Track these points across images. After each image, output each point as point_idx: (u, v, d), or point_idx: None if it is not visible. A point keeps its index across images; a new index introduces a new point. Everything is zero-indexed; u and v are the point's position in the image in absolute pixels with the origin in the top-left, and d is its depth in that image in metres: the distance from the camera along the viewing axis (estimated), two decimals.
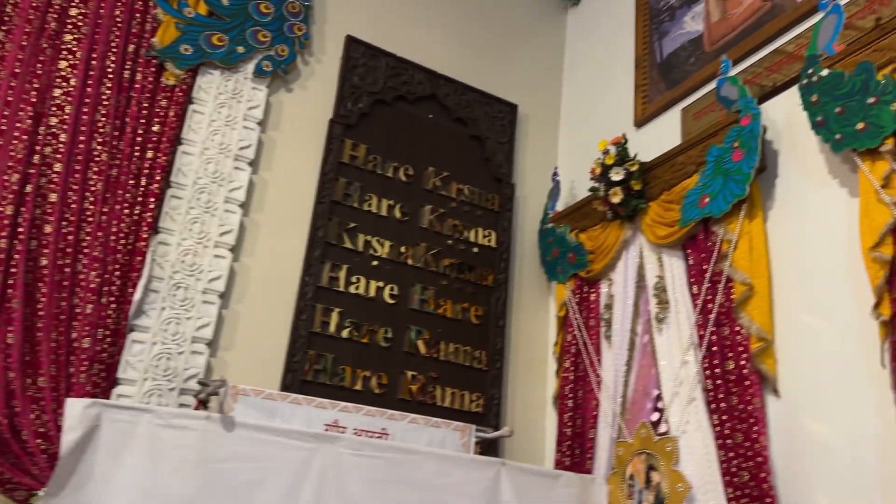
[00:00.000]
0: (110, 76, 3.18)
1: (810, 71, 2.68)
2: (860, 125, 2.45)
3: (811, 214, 2.76)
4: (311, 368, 3.32)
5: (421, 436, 3.09)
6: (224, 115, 3.50)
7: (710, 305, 2.93)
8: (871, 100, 2.43)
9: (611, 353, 3.44)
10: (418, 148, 4.00)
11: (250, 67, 3.64)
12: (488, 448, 3.52)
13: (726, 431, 2.70)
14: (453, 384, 3.68)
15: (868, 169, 2.43)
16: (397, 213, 3.81)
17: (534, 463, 3.63)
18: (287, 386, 3.22)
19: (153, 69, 3.33)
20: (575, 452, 3.43)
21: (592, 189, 3.64)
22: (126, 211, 3.05)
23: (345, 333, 3.46)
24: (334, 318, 3.46)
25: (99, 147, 3.07)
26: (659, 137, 3.62)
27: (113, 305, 2.92)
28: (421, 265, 3.79)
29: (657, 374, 3.16)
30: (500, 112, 4.33)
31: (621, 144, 3.53)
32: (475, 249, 3.98)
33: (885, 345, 2.29)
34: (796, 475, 2.53)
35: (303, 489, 2.54)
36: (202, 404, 2.81)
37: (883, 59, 2.44)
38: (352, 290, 3.55)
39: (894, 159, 2.36)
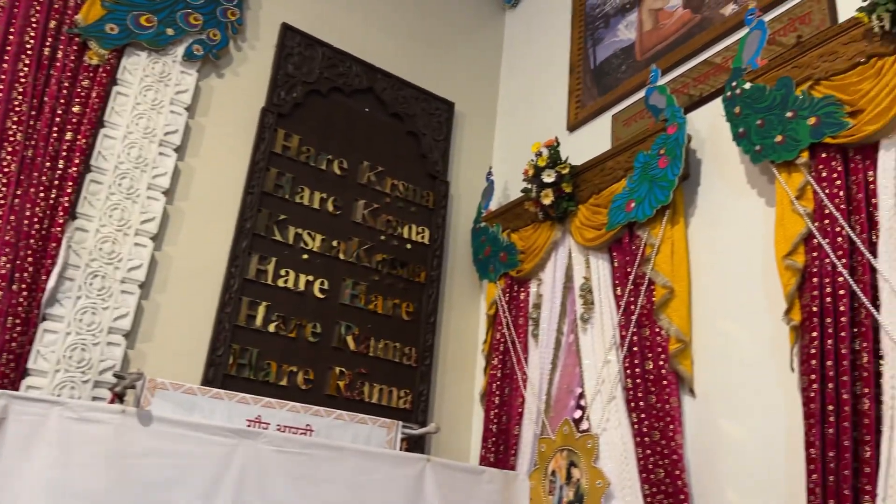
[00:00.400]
0: (29, 52, 3.02)
1: (734, 83, 2.78)
2: (778, 138, 2.57)
3: (730, 222, 2.87)
4: (234, 363, 3.25)
5: (346, 432, 3.06)
6: (150, 99, 3.37)
7: (632, 307, 3.01)
8: (789, 114, 2.54)
9: (537, 351, 3.49)
10: (353, 141, 3.95)
11: (180, 51, 3.52)
12: (415, 445, 3.52)
13: (644, 429, 2.79)
14: (382, 380, 3.66)
15: (784, 180, 2.55)
16: (330, 207, 3.76)
17: (459, 459, 3.66)
18: (209, 380, 3.14)
19: (76, 48, 3.18)
20: (499, 449, 3.48)
21: (525, 190, 3.69)
22: (41, 195, 2.90)
23: (271, 328, 3.39)
24: (261, 311, 3.39)
25: (14, 126, 2.90)
26: (590, 142, 3.70)
27: (24, 293, 2.77)
28: (353, 260, 3.75)
29: (581, 372, 3.22)
30: (437, 109, 4.33)
31: (554, 147, 3.58)
32: (408, 246, 3.97)
33: (795, 349, 2.41)
34: (709, 472, 2.63)
35: (221, 486, 2.47)
36: (118, 398, 2.70)
37: (802, 76, 2.55)
38: (280, 283, 3.48)
39: (809, 172, 2.48)
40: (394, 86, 4.19)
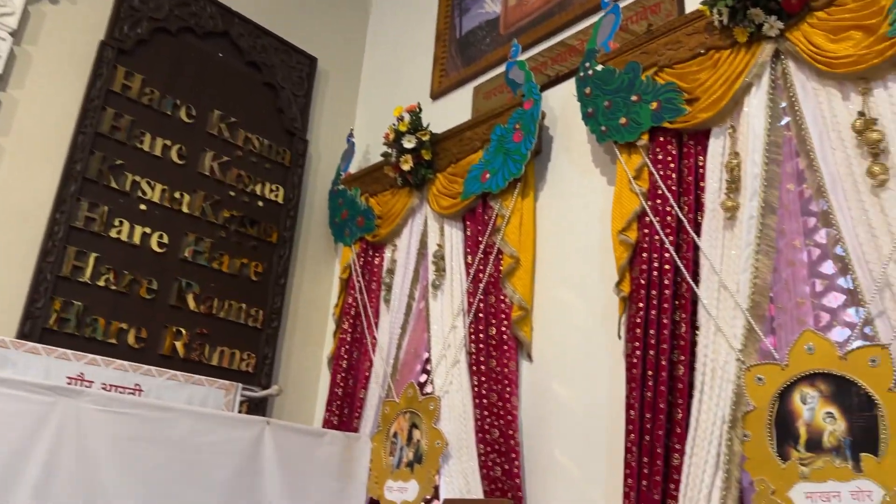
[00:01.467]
0: None
1: (587, 65, 2.88)
2: (623, 120, 2.70)
3: (575, 197, 2.99)
4: (56, 317, 2.97)
5: (180, 394, 2.90)
6: None
7: (481, 275, 3.08)
8: (634, 97, 2.67)
9: (388, 316, 3.49)
10: (205, 87, 3.71)
11: None
12: (256, 408, 3.43)
13: (483, 392, 2.87)
14: (224, 342, 3.51)
15: (625, 160, 2.68)
16: (174, 156, 3.51)
17: (304, 423, 3.61)
18: (25, 334, 2.85)
19: None
20: (344, 412, 3.46)
21: (385, 154, 3.64)
22: None
23: (101, 281, 3.13)
24: (90, 263, 3.11)
25: None
26: (452, 111, 3.71)
27: None
28: (197, 214, 3.54)
29: (429, 337, 3.26)
30: (298, 63, 4.16)
31: (415, 113, 3.56)
32: (260, 203, 3.81)
33: (623, 318, 2.57)
34: (540, 432, 2.76)
35: (36, 447, 2.26)
36: None
37: (649, 62, 2.69)
38: (112, 234, 3.22)
39: (647, 154, 2.63)
40: (252, 33, 3.96)
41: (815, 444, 1.93)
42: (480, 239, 3.14)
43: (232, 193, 3.71)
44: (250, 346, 3.59)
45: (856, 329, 1.98)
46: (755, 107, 2.33)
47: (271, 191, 3.87)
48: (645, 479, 2.23)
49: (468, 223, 3.26)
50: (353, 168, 4.07)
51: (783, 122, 2.35)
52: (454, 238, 3.31)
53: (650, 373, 2.35)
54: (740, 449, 2.06)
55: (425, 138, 3.48)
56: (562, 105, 3.18)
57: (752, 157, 2.29)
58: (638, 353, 2.40)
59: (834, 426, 1.91)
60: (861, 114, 2.08)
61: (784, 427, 1.99)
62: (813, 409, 1.95)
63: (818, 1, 2.23)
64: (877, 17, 2.06)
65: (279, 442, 2.82)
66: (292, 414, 3.67)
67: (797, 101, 2.25)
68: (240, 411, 3.15)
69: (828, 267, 2.24)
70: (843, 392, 1.91)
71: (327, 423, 3.46)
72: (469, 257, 3.19)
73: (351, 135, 4.17)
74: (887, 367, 1.85)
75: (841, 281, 2.18)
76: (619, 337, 2.57)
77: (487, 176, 3.15)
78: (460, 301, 3.14)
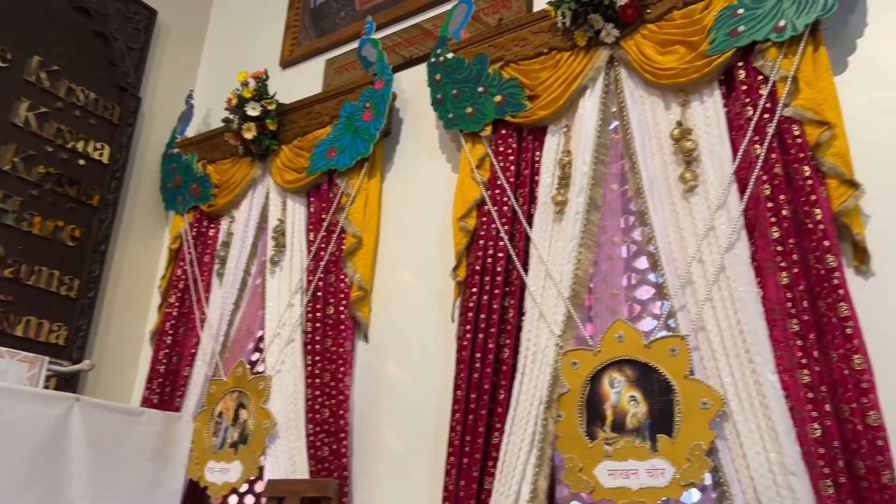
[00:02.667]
0: None
1: (438, 51, 2.92)
2: (469, 109, 2.76)
3: (421, 181, 3.03)
4: None
5: None
6: None
7: (322, 253, 3.04)
8: (480, 89, 2.74)
9: (220, 291, 3.35)
10: (22, 29, 3.32)
11: None
12: (66, 384, 3.16)
13: (316, 371, 2.85)
14: (32, 311, 3.20)
15: (469, 149, 2.76)
16: None
17: (121, 401, 3.38)
18: None
19: None
20: (165, 390, 3.28)
21: (226, 120, 3.47)
22: None
23: None
24: None
25: None
26: (301, 83, 3.61)
27: None
28: (7, 169, 3.19)
29: (263, 315, 3.17)
30: (135, 13, 3.84)
31: (262, 80, 3.42)
32: (82, 162, 3.49)
33: (457, 302, 2.64)
34: (371, 412, 2.78)
35: None
36: None
37: (496, 55, 2.77)
38: None
39: (489, 145, 2.71)
40: None
41: (619, 426, 2.10)
42: (324, 216, 3.09)
43: (49, 149, 3.37)
44: (62, 316, 3.30)
45: (660, 320, 2.19)
46: (588, 109, 2.48)
47: (95, 149, 3.56)
48: (466, 457, 2.33)
49: (312, 199, 3.20)
50: (191, 132, 3.85)
51: (612, 126, 2.52)
52: (297, 214, 3.23)
53: (478, 355, 2.44)
54: (554, 428, 2.21)
55: (271, 107, 3.36)
56: (414, 88, 3.20)
57: (583, 156, 2.44)
58: (468, 335, 2.48)
59: (636, 409, 2.09)
60: (679, 123, 2.28)
61: (593, 409, 2.15)
62: (619, 392, 2.13)
63: (651, 14, 2.41)
64: (699, 34, 2.27)
65: (90, 420, 2.61)
66: (108, 391, 3.42)
67: (625, 107, 2.43)
68: (46, 387, 2.88)
69: (641, 262, 2.44)
70: (646, 377, 2.10)
71: (146, 402, 3.26)
72: (311, 234, 3.13)
73: (190, 96, 3.93)
74: (685, 356, 2.05)
75: (651, 276, 2.39)
76: (453, 320, 2.64)
77: (335, 153, 3.10)
78: (299, 279, 3.08)
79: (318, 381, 2.83)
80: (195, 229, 3.57)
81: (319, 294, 2.98)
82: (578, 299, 2.35)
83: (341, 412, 2.73)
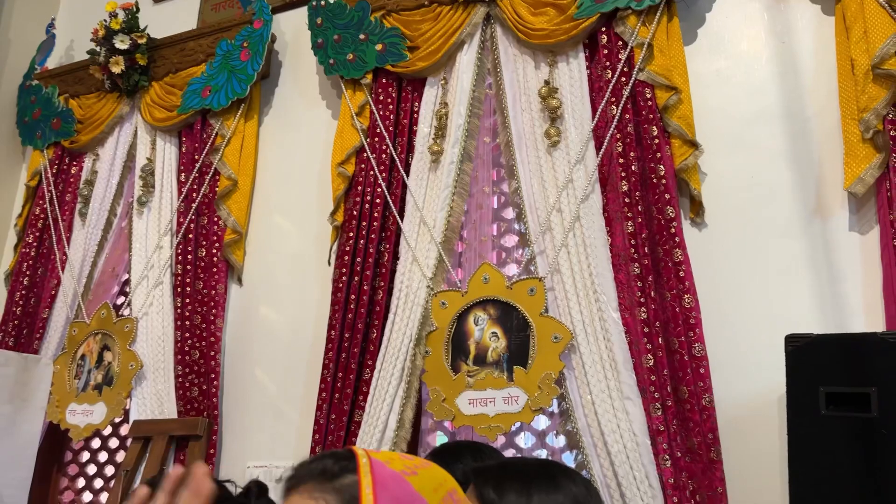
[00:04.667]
0: None
1: None
2: (350, 56, 2.80)
3: (300, 126, 3.04)
4: None
5: None
6: None
7: (194, 195, 3.00)
8: (362, 36, 2.78)
9: (84, 231, 3.22)
10: None
11: None
12: None
13: (187, 314, 2.84)
14: None
15: (349, 96, 2.80)
16: None
17: None
18: None
19: None
20: (22, 333, 3.13)
21: (92, 52, 3.30)
22: None
23: None
24: None
25: None
26: (175, 17, 3.46)
27: None
28: None
29: (129, 257, 3.09)
30: None
31: (132, 12, 3.27)
32: None
33: (334, 247, 2.72)
34: (243, 354, 2.82)
35: None
36: None
37: (377, 3, 2.78)
38: None
39: (370, 93, 2.76)
40: None
41: (481, 359, 2.28)
42: (197, 157, 3.04)
43: None
44: None
45: (522, 265, 2.37)
46: (465, 63, 2.59)
47: None
48: (337, 392, 2.44)
49: (184, 139, 3.13)
50: (52, 63, 3.62)
51: (487, 82, 2.64)
52: (167, 153, 3.16)
53: (353, 297, 2.54)
54: (421, 363, 2.36)
55: (142, 41, 3.24)
56: (294, 31, 3.17)
57: (459, 108, 2.56)
58: (344, 278, 2.57)
59: (497, 343, 2.28)
60: (546, 82, 2.44)
61: (458, 344, 2.32)
62: (482, 329, 2.31)
63: None
64: None
65: None
66: None
67: (499, 64, 2.56)
68: None
69: (509, 213, 2.61)
70: (507, 315, 2.28)
71: (2, 345, 3.11)
72: (182, 175, 3.07)
73: (52, 24, 3.67)
74: (541, 295, 2.25)
75: (516, 226, 2.57)
76: (329, 264, 2.72)
77: (209, 92, 3.05)
78: (169, 220, 3.03)
79: (188, 323, 2.82)
80: (56, 166, 3.39)
81: (191, 236, 2.95)
82: (450, 245, 2.49)
83: (212, 353, 2.75)
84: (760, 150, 2.21)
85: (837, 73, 2.12)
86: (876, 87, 1.99)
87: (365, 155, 2.70)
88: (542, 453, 2.34)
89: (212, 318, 2.80)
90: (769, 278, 2.10)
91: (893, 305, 1.91)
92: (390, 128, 2.69)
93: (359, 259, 2.58)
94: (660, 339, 2.06)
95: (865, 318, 1.98)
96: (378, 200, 2.63)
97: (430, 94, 2.68)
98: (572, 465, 2.19)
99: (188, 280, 2.89)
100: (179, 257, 2.95)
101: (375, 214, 2.61)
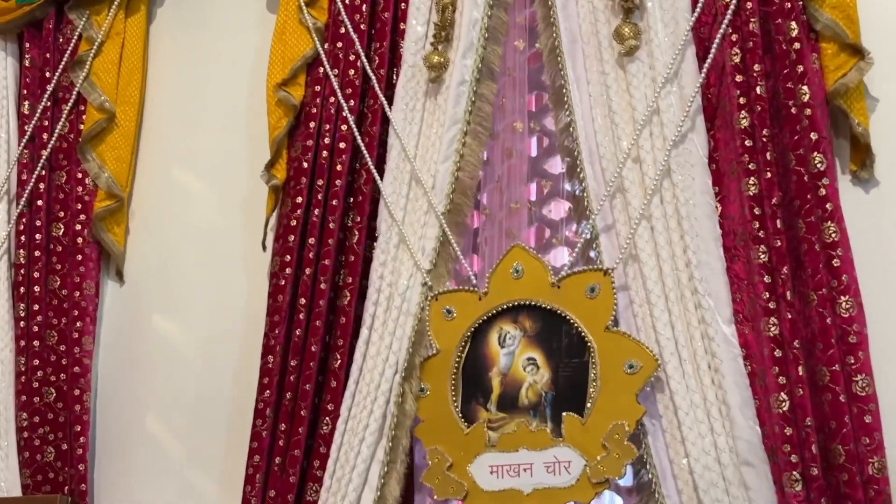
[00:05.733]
0: None
1: None
2: None
3: (215, 25, 3.06)
4: None
5: None
6: None
7: (44, 136, 3.03)
8: None
9: None
10: None
11: None
12: None
13: (34, 329, 2.88)
14: None
15: None
16: None
17: None
18: None
19: None
20: None
21: None
22: None
23: None
24: None
25: None
26: None
27: None
28: None
29: None
30: None
31: None
32: None
33: (272, 220, 2.71)
34: (127, 393, 2.87)
35: None
36: None
37: None
38: None
39: None
40: None
41: (509, 402, 2.29)
42: (49, 75, 3.08)
43: None
44: None
45: (577, 249, 2.36)
46: None
47: None
48: (279, 455, 2.45)
49: (28, 46, 3.18)
50: None
51: None
52: (2, 69, 3.18)
53: (302, 301, 2.55)
54: (414, 408, 2.36)
55: None
56: None
57: None
58: (288, 271, 2.58)
59: (535, 377, 2.28)
60: None
61: (474, 378, 2.33)
62: (512, 353, 2.31)
63: None
64: None
65: None
66: None
67: None
68: None
69: (555, 165, 2.61)
70: (552, 331, 2.29)
71: None
72: (26, 104, 3.11)
73: None
74: (608, 298, 2.24)
75: (567, 185, 2.56)
76: (265, 248, 2.73)
77: None
78: (4, 178, 3.04)
79: (37, 343, 2.86)
80: None
81: (40, 203, 2.98)
82: (459, 216, 2.50)
83: (76, 392, 2.79)
84: None
85: None
86: None
87: (321, 70, 2.71)
88: None
89: (75, 335, 2.82)
90: None
91: None
92: (362, 26, 2.70)
93: (312, 240, 2.59)
94: (800, 368, 2.06)
95: None
96: (343, 144, 2.64)
97: None
98: None
99: (36, 275, 2.92)
100: (22, 238, 2.97)
101: (338, 168, 2.62)
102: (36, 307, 2.89)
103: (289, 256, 2.60)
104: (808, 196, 2.13)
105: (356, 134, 2.62)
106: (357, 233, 2.58)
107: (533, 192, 2.62)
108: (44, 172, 3.00)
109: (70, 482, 2.72)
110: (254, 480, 2.47)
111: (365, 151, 2.61)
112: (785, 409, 2.06)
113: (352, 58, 2.67)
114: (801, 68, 2.19)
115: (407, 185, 2.54)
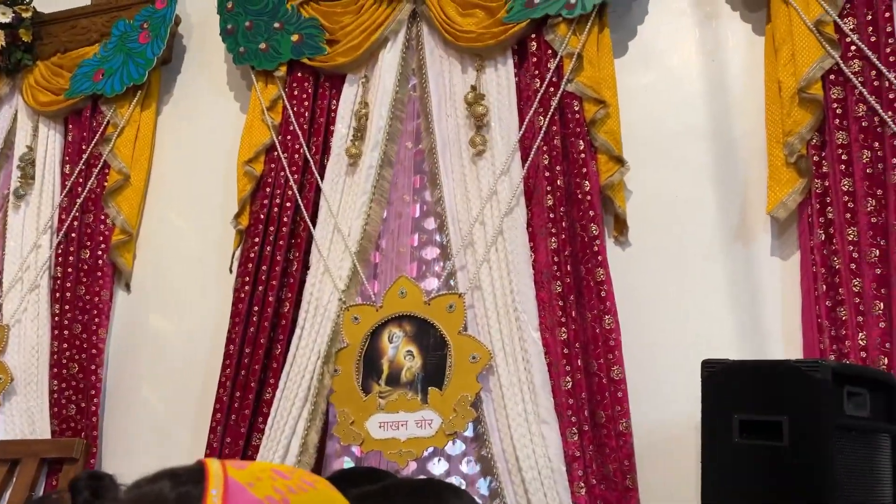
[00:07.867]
0: None
1: None
2: (263, 45, 2.79)
3: (203, 118, 3.01)
4: None
5: None
6: None
7: (80, 189, 2.94)
8: (277, 24, 2.78)
9: None
10: None
11: None
12: None
13: (65, 322, 2.78)
14: None
15: (260, 89, 2.80)
16: None
17: None
18: None
19: None
20: None
21: None
22: None
23: None
24: None
25: None
26: None
27: None
28: None
29: (3, 256, 2.99)
30: None
31: None
32: None
33: (237, 252, 2.71)
34: (129, 368, 2.78)
35: None
36: None
37: None
38: None
39: (283, 86, 2.77)
40: None
41: (394, 379, 2.33)
42: (85, 147, 2.99)
43: None
44: None
45: (442, 279, 2.43)
46: (388, 62, 2.64)
47: None
48: (234, 413, 2.43)
49: (71, 127, 3.07)
50: None
51: (411, 83, 2.70)
52: (51, 142, 3.08)
53: (256, 308, 2.54)
54: (330, 383, 2.38)
55: (26, 15, 3.15)
56: (201, 14, 3.12)
57: (380, 110, 2.60)
58: (247, 287, 2.57)
59: (412, 363, 2.33)
60: (473, 87, 2.51)
61: (371, 363, 2.36)
62: (397, 347, 2.36)
63: None
64: (498, 1, 2.51)
65: None
66: None
67: (425, 65, 2.61)
68: None
69: (430, 223, 2.67)
70: (424, 333, 2.34)
71: None
72: (67, 167, 3.01)
73: None
74: (460, 313, 2.31)
75: (437, 237, 2.63)
76: (231, 271, 2.71)
77: (102, 76, 2.99)
78: (49, 217, 2.95)
79: (66, 332, 2.77)
80: None
81: (73, 235, 2.89)
82: (365, 255, 2.53)
83: (93, 367, 2.71)
84: (687, 168, 2.34)
85: (765, 95, 2.28)
86: (801, 111, 2.15)
87: (275, 153, 2.71)
88: (455, 480, 2.41)
89: (94, 327, 2.75)
90: (690, 301, 2.23)
91: (811, 333, 2.07)
92: (305, 126, 2.71)
93: (264, 267, 2.59)
94: (579, 360, 2.16)
95: (784, 344, 2.14)
96: (288, 204, 2.64)
97: (350, 93, 2.71)
98: (486, 492, 2.26)
99: (69, 284, 2.83)
100: (60, 259, 2.89)
101: (285, 219, 2.63)
102: (67, 307, 2.81)
103: (247, 277, 2.59)
104: (587, 251, 2.24)
105: (297, 197, 2.63)
106: (296, 263, 2.59)
107: (415, 240, 2.66)
108: (77, 214, 2.92)
109: (85, 430, 2.65)
110: (216, 431, 2.45)
111: (303, 209, 2.62)
112: (569, 387, 2.16)
113: (297, 146, 2.69)
114: (585, 170, 2.30)
115: (331, 232, 2.56)
